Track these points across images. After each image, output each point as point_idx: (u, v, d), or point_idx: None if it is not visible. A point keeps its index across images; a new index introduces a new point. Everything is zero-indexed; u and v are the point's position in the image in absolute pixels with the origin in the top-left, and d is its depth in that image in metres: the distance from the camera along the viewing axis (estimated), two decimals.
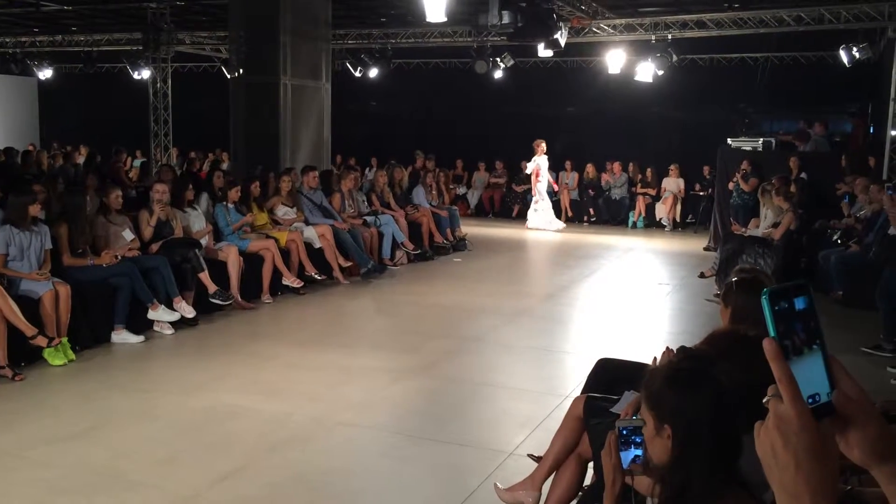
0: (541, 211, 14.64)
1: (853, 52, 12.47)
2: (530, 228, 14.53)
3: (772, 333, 0.91)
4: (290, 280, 8.45)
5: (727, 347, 2.27)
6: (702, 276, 9.36)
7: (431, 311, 8.09)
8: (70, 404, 5.22)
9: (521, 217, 16.19)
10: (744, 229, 9.70)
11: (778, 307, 0.91)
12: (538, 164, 14.27)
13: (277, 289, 8.45)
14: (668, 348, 2.97)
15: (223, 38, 15.18)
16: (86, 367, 5.98)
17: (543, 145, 14.21)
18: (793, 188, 9.62)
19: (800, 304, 0.91)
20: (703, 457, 1.75)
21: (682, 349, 2.07)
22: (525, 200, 16.35)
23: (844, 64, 12.82)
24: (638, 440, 2.11)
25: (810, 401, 0.89)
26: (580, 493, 3.34)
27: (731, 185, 11.69)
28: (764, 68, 15.26)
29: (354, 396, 5.40)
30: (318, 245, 9.10)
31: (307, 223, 9.34)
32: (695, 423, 1.78)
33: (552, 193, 15.37)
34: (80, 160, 16.11)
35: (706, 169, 14.84)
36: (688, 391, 1.82)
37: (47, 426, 4.75)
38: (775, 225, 9.05)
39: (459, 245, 11.96)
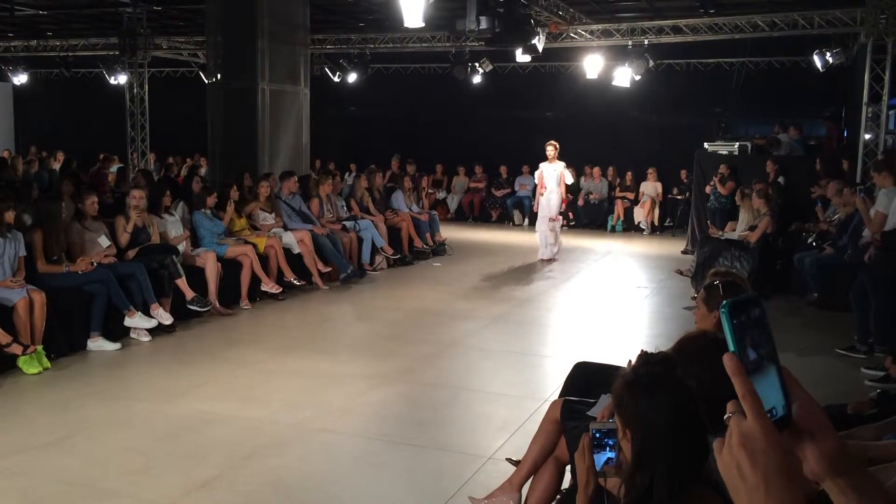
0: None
1: (826, 57, 12.64)
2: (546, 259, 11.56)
3: (731, 348, 0.89)
4: (268, 286, 8.42)
5: (698, 350, 2.29)
6: (679, 272, 9.43)
7: (411, 316, 8.09)
8: (45, 413, 5.16)
9: (501, 221, 16.25)
10: (721, 232, 9.79)
11: (736, 320, 0.89)
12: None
13: (256, 295, 8.41)
14: (642, 351, 2.99)
15: (200, 43, 15.10)
16: (61, 375, 5.91)
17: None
18: (770, 192, 9.73)
19: (755, 316, 0.90)
20: (664, 458, 1.78)
21: (642, 354, 2.10)
22: (504, 204, 16.42)
23: (818, 69, 13.00)
24: (611, 443, 2.13)
25: (768, 415, 0.88)
26: (558, 496, 3.36)
27: (708, 189, 11.80)
28: (739, 73, 15.42)
29: (333, 402, 5.39)
30: (297, 250, 9.07)
31: (286, 228, 9.31)
32: (652, 426, 1.81)
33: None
34: (57, 166, 15.94)
35: (683, 173, 14.98)
36: (645, 395, 1.86)
37: (21, 435, 4.69)
38: (751, 228, 9.14)
39: (439, 250, 11.97)
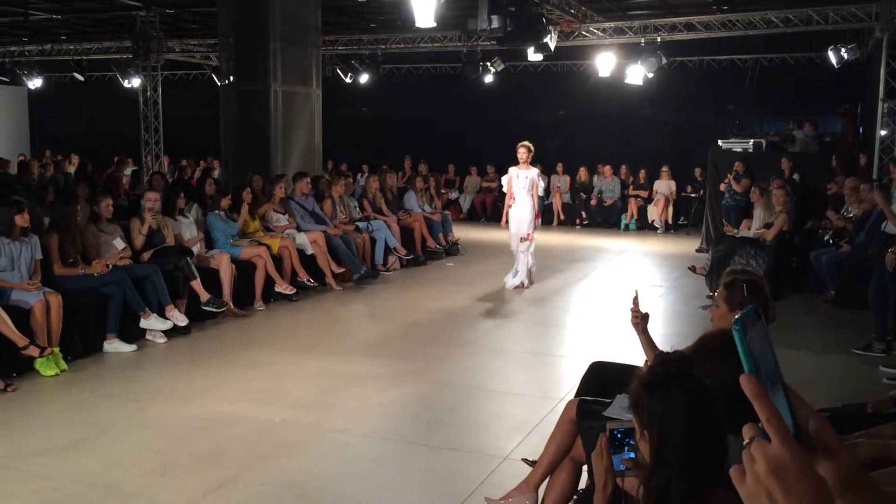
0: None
1: (841, 53, 12.55)
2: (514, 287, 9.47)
3: (747, 368, 0.84)
4: (282, 287, 8.44)
5: (718, 348, 2.27)
6: (692, 269, 9.38)
7: (424, 317, 8.08)
8: (62, 415, 5.19)
9: None
10: (736, 230, 9.73)
11: (748, 337, 0.84)
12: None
13: (270, 296, 8.43)
14: (658, 351, 2.99)
15: (213, 46, 15.16)
16: (78, 376, 5.95)
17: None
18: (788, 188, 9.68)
19: (758, 330, 0.86)
20: (681, 459, 1.77)
21: (658, 354, 2.09)
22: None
23: (833, 65, 12.90)
24: (632, 442, 2.12)
25: None
26: (575, 497, 3.34)
27: (722, 187, 11.73)
28: (753, 70, 15.33)
29: (347, 403, 5.39)
30: (310, 251, 9.09)
31: (299, 229, 9.33)
32: (669, 427, 1.80)
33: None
34: (72, 169, 16.06)
35: (697, 171, 14.90)
36: (662, 395, 1.84)
37: (40, 437, 4.72)
38: (767, 226, 9.08)
39: (452, 250, 11.96)
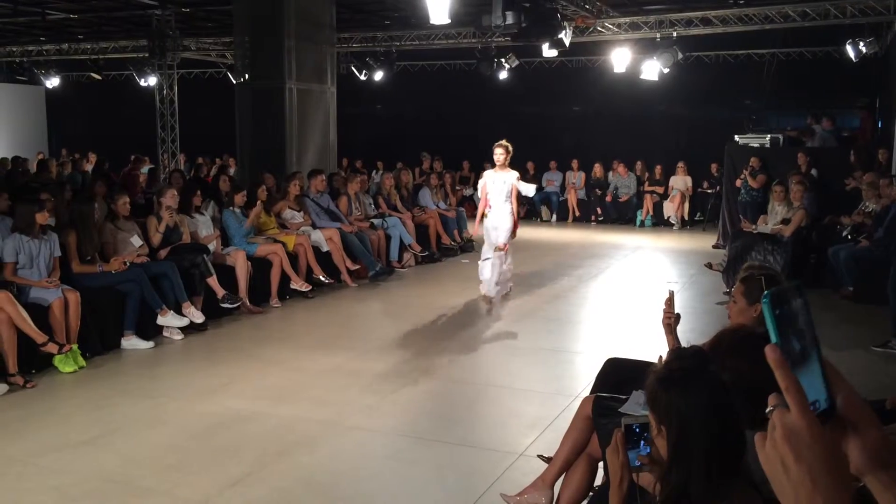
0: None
1: (859, 47, 12.42)
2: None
3: (774, 339, 0.87)
4: (297, 284, 8.46)
5: (736, 344, 2.27)
6: (708, 266, 9.32)
7: (440, 313, 8.09)
8: (81, 411, 5.24)
9: (528, 217, 16.19)
10: (753, 226, 9.66)
11: (779, 311, 0.87)
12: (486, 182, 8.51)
13: (286, 293, 8.47)
14: (673, 347, 2.98)
15: (228, 44, 15.24)
16: (96, 373, 6.00)
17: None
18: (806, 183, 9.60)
19: (797, 306, 0.88)
20: (700, 455, 1.76)
21: (674, 349, 2.08)
22: (532, 201, 16.35)
23: (851, 59, 12.77)
24: (648, 436, 2.11)
25: (811, 408, 0.85)
26: (591, 493, 3.34)
27: (738, 182, 11.64)
28: (770, 64, 15.22)
29: (363, 399, 5.40)
30: (325, 248, 9.11)
31: (314, 227, 9.35)
32: (687, 423, 1.79)
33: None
34: (89, 167, 16.20)
35: (714, 166, 14.81)
36: (679, 391, 1.84)
37: (58, 433, 4.77)
38: (784, 221, 9.01)
39: (467, 246, 11.96)
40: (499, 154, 8.25)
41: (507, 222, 8.27)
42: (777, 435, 0.85)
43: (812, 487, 0.83)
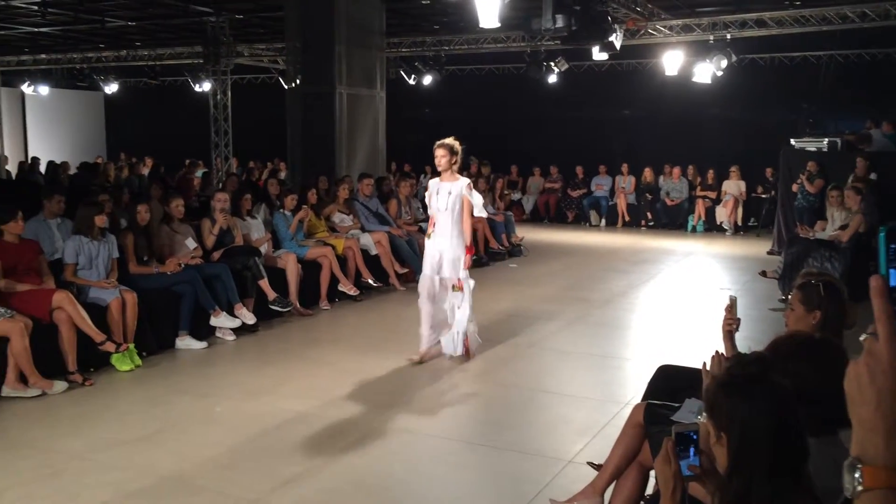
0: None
1: None
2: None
3: (882, 271, 0.92)
4: (346, 287, 8.53)
5: (795, 349, 2.22)
6: (763, 274, 9.13)
7: (488, 317, 8.06)
8: (137, 408, 5.36)
9: (577, 222, 16.07)
10: (811, 232, 9.42)
11: (894, 245, 0.93)
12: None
13: (335, 295, 8.54)
14: (716, 352, 2.93)
15: (280, 50, 15.45)
16: (151, 372, 6.14)
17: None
18: (862, 187, 9.34)
19: None
20: (762, 463, 1.72)
21: (735, 355, 2.04)
22: (580, 205, 16.22)
23: None
24: (695, 438, 2.06)
25: None
26: (642, 502, 3.29)
27: (795, 187, 11.37)
28: (827, 67, 14.85)
29: (413, 402, 5.42)
30: (374, 252, 9.17)
31: (363, 230, 9.42)
32: (750, 430, 1.75)
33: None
34: (146, 171, 16.60)
35: (769, 171, 14.49)
36: (741, 398, 1.80)
37: (115, 430, 4.88)
38: (843, 227, 8.78)
39: (515, 251, 11.91)
40: (439, 156, 6.22)
41: (456, 248, 6.15)
42: (861, 357, 0.93)
43: (875, 408, 0.90)
